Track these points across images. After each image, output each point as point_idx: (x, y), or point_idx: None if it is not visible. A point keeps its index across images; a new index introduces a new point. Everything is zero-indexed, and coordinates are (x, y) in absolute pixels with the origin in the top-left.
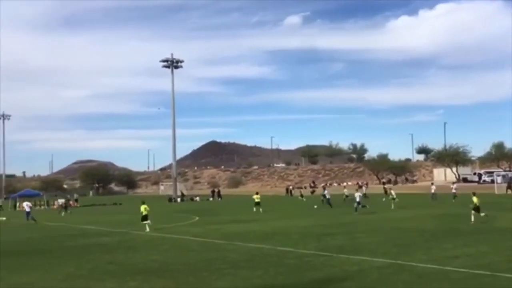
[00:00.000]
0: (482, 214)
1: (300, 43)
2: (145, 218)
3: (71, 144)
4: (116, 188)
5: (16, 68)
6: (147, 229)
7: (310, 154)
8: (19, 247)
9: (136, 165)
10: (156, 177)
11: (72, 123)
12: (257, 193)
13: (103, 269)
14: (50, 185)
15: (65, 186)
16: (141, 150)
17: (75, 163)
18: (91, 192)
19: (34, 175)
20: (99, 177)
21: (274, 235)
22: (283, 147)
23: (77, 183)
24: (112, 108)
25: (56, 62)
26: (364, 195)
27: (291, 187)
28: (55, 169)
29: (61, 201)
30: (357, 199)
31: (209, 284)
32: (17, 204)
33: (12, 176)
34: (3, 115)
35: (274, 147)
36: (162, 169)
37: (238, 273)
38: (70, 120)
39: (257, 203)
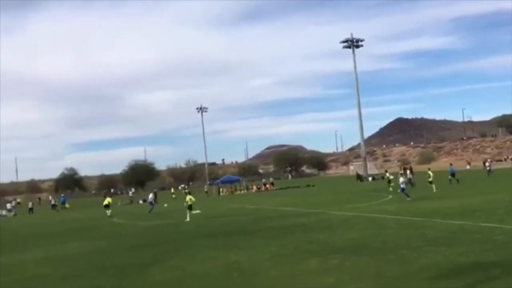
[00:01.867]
0: None
1: (486, 6)
2: (190, 207)
3: (263, 130)
4: (307, 171)
5: (208, 64)
6: (187, 218)
7: (508, 124)
8: (227, 229)
9: (325, 147)
10: (345, 158)
11: (262, 111)
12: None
13: (304, 248)
14: (247, 171)
15: (260, 170)
16: (328, 132)
17: (268, 148)
18: (289, 176)
19: (232, 162)
20: (290, 161)
21: (475, 211)
22: (475, 118)
23: (271, 168)
24: (296, 93)
25: (241, 54)
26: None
27: (489, 160)
28: (250, 155)
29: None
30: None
31: (411, 262)
32: (220, 190)
33: (213, 164)
34: (201, 108)
35: (466, 119)
36: (350, 149)
37: (439, 250)
38: (259, 108)
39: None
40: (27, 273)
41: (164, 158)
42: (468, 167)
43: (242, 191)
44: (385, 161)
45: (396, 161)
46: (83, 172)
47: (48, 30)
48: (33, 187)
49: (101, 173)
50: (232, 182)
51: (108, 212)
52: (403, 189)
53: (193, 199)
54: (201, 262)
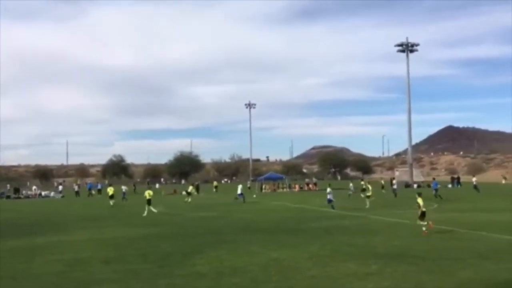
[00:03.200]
0: None
1: None
2: (148, 202)
3: (309, 130)
4: (352, 173)
5: (260, 61)
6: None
7: None
8: (268, 226)
9: (371, 151)
10: (390, 163)
11: (310, 110)
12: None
13: (344, 251)
14: (291, 169)
15: (304, 170)
16: (375, 135)
17: (313, 148)
18: (338, 177)
19: (276, 160)
20: (335, 162)
21: None
22: None
23: (315, 168)
24: (346, 94)
25: (295, 52)
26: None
27: None
28: (295, 154)
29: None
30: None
31: (453, 273)
32: (263, 186)
33: (258, 160)
34: (249, 104)
35: None
36: (396, 155)
37: (484, 264)
38: (308, 107)
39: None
40: (70, 254)
41: (209, 151)
42: (503, 181)
43: (285, 189)
44: (432, 169)
45: (443, 170)
46: (129, 159)
47: (108, 20)
48: (82, 171)
49: (147, 162)
50: (275, 180)
51: (153, 208)
52: (329, 201)
53: (151, 193)
54: (240, 257)
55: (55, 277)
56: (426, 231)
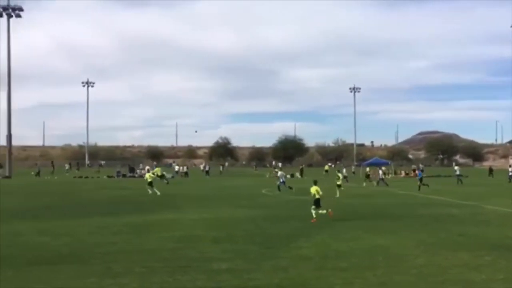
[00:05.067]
0: None
1: None
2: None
3: (415, 115)
4: (461, 160)
5: (366, 43)
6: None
7: None
8: (373, 211)
9: (483, 137)
10: (504, 150)
11: (415, 94)
12: None
13: (454, 240)
14: (396, 155)
15: (410, 156)
16: (487, 121)
17: (419, 134)
18: (455, 166)
19: (381, 145)
20: (443, 148)
21: None
22: None
23: (422, 154)
24: (455, 78)
25: (401, 34)
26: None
27: None
28: (400, 139)
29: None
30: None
31: None
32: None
33: (362, 145)
34: (354, 88)
35: None
36: (511, 142)
37: None
38: (413, 91)
39: None
40: (182, 232)
41: (313, 135)
42: None
43: (390, 175)
44: None
45: None
46: (235, 142)
47: (212, 5)
48: (190, 152)
49: (252, 144)
50: (380, 165)
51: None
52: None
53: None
54: (346, 242)
55: (168, 252)
56: None
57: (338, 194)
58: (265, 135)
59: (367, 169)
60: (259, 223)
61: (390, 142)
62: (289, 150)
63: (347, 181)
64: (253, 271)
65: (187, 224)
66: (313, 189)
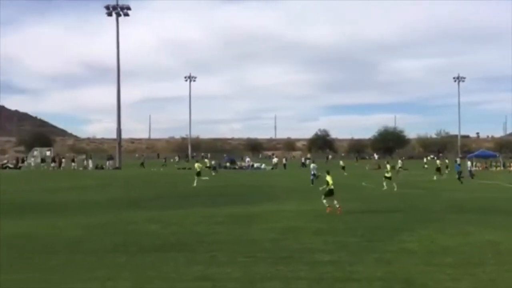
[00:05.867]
0: None
1: None
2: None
3: None
4: None
5: (469, 31)
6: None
7: None
8: (481, 206)
9: None
10: None
11: None
12: None
13: None
14: (505, 147)
15: None
16: None
17: None
18: None
19: (487, 136)
20: None
21: None
22: None
23: None
24: None
25: (507, 21)
26: None
27: None
28: (509, 131)
29: None
30: None
31: None
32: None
33: (467, 136)
34: (458, 77)
35: None
36: None
37: None
38: None
39: None
40: (282, 223)
41: (414, 127)
42: None
43: (498, 168)
44: None
45: None
46: (334, 134)
47: None
48: (288, 145)
49: (351, 136)
50: (486, 158)
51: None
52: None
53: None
54: (452, 237)
55: (269, 243)
56: None
57: (385, 187)
58: (364, 127)
59: (438, 161)
60: (358, 216)
61: (498, 133)
62: (389, 142)
63: (441, 174)
64: (355, 264)
65: (287, 216)
66: (329, 178)
